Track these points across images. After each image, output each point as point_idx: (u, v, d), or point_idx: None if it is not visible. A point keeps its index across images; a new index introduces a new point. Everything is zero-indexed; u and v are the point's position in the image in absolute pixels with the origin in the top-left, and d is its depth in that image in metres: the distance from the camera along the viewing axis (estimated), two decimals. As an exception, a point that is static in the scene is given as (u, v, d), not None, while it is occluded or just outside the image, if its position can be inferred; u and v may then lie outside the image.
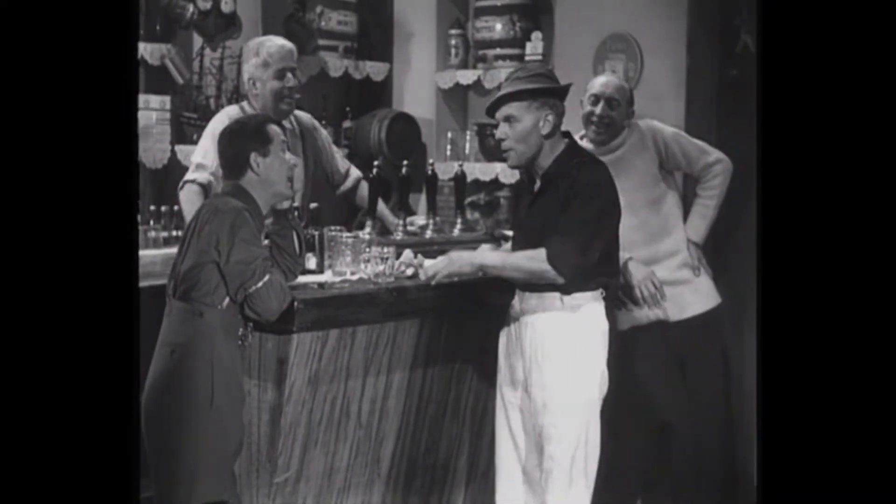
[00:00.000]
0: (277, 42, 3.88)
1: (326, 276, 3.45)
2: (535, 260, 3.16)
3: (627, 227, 3.39)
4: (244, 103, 3.90)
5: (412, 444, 3.56)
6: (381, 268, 3.38)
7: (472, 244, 3.93)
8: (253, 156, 3.05)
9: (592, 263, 3.19)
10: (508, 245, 3.62)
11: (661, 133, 4.01)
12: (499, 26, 5.16)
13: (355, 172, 4.25)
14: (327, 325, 3.19)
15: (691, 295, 3.99)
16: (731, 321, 4.28)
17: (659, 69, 4.37)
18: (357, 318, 3.27)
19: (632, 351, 3.88)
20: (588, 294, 3.25)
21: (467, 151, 5.33)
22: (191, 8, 4.55)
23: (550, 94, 3.25)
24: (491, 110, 3.31)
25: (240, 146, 3.07)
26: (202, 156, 3.74)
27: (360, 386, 3.35)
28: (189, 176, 3.73)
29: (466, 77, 5.28)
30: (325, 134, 4.20)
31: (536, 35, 5.08)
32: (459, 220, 4.32)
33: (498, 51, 5.18)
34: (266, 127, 3.11)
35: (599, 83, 3.98)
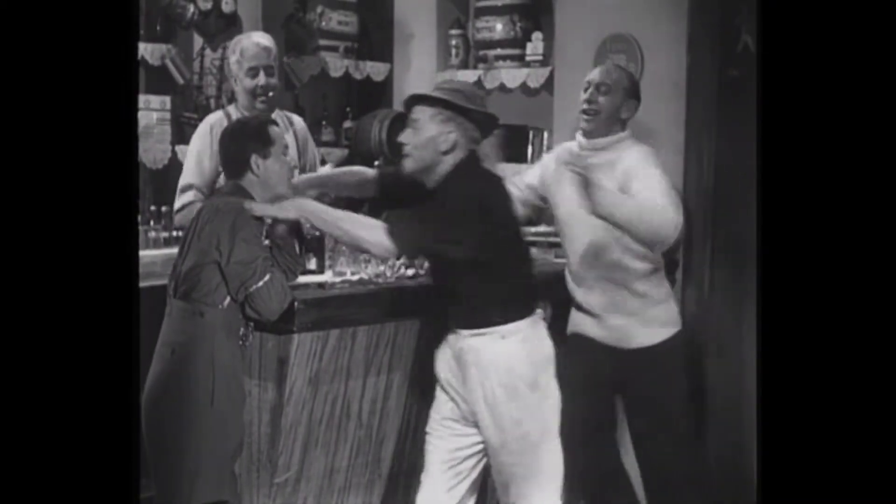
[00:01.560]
0: (253, 39, 3.86)
1: (327, 277, 3.45)
2: (373, 229, 3.03)
3: (578, 237, 3.33)
4: (230, 107, 3.89)
5: (412, 444, 3.55)
6: (381, 268, 3.39)
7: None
8: (253, 157, 3.05)
9: (430, 248, 3.08)
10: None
11: (638, 165, 3.60)
12: (499, 26, 5.16)
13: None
14: (328, 325, 3.19)
15: (640, 328, 3.68)
16: (725, 321, 4.28)
17: (659, 69, 4.36)
18: (357, 318, 3.28)
19: (570, 359, 3.59)
20: (527, 321, 3.12)
21: (468, 151, 5.33)
22: (191, 8, 4.55)
23: (461, 112, 3.10)
24: (406, 110, 3.20)
25: (240, 146, 3.07)
26: (188, 177, 3.72)
27: (360, 386, 3.36)
28: (177, 203, 3.72)
29: (467, 77, 5.26)
30: (312, 144, 4.16)
31: (537, 35, 5.07)
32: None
33: (498, 51, 5.18)
34: (267, 128, 3.11)
35: (595, 71, 3.78)
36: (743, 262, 4.07)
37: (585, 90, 3.72)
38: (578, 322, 3.78)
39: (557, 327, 3.64)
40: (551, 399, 3.18)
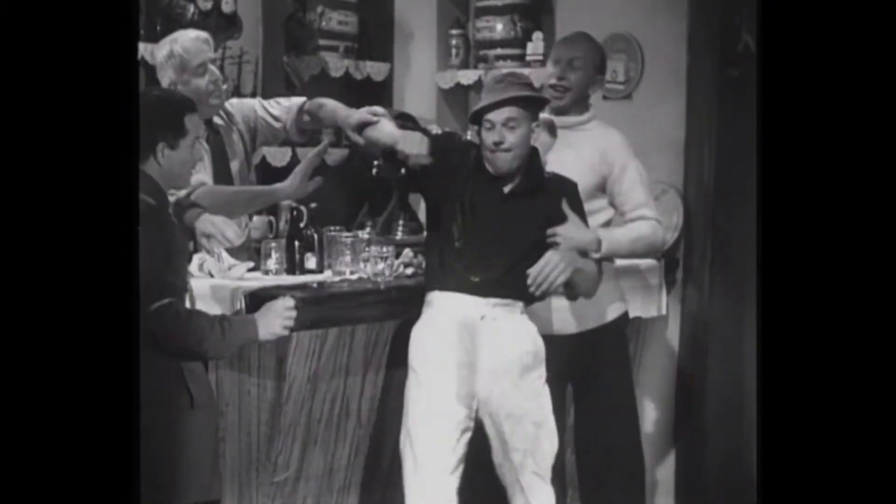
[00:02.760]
0: (189, 35, 3.56)
1: (326, 276, 3.45)
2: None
3: None
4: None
5: (412, 443, 3.55)
6: (380, 267, 3.39)
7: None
8: (161, 145, 2.75)
9: None
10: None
11: (621, 152, 3.56)
12: (499, 26, 5.16)
13: (296, 101, 3.82)
14: (327, 323, 3.19)
15: (589, 306, 3.50)
16: (729, 321, 4.28)
17: (659, 69, 4.37)
18: (356, 316, 3.28)
19: None
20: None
21: (468, 151, 5.33)
22: (191, 8, 4.55)
23: (538, 104, 3.23)
24: (487, 110, 3.15)
25: (149, 130, 2.70)
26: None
27: (359, 384, 3.36)
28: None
29: (467, 77, 5.28)
30: (248, 102, 3.87)
31: (537, 35, 5.07)
32: (460, 220, 4.31)
33: (499, 51, 5.18)
34: (184, 118, 2.79)
35: (564, 43, 3.67)
36: (743, 262, 4.07)
37: (556, 64, 3.59)
38: None
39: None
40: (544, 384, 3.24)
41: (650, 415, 4.37)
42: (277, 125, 3.80)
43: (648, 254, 3.72)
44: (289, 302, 2.89)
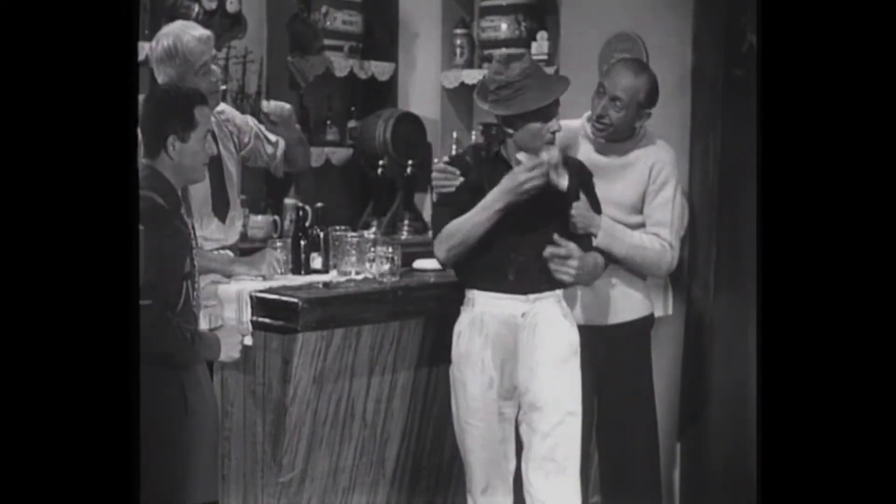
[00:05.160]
0: (194, 34, 3.37)
1: (331, 276, 3.45)
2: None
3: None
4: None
5: (417, 444, 3.56)
6: (385, 267, 3.39)
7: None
8: (171, 138, 2.74)
9: None
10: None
11: (666, 169, 3.59)
12: (504, 26, 5.16)
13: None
14: (332, 324, 3.19)
15: (620, 299, 3.61)
16: (734, 322, 4.28)
17: (664, 68, 4.35)
18: (362, 317, 3.28)
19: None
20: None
21: (472, 151, 5.32)
22: (196, 7, 4.55)
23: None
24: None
25: (159, 123, 2.74)
26: None
27: (364, 385, 3.35)
28: None
29: (472, 77, 5.28)
30: (242, 116, 3.79)
31: (542, 35, 5.07)
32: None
33: (503, 50, 5.17)
34: (193, 110, 2.77)
35: (611, 76, 3.54)
36: (749, 262, 4.04)
37: (599, 94, 3.52)
38: None
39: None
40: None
41: (655, 415, 4.37)
42: (270, 150, 3.76)
43: (644, 269, 3.58)
44: (244, 329, 3.02)
